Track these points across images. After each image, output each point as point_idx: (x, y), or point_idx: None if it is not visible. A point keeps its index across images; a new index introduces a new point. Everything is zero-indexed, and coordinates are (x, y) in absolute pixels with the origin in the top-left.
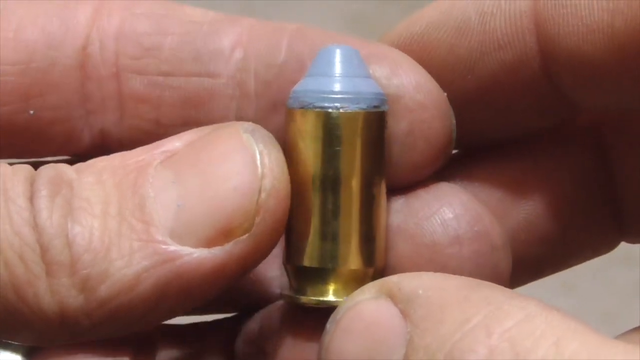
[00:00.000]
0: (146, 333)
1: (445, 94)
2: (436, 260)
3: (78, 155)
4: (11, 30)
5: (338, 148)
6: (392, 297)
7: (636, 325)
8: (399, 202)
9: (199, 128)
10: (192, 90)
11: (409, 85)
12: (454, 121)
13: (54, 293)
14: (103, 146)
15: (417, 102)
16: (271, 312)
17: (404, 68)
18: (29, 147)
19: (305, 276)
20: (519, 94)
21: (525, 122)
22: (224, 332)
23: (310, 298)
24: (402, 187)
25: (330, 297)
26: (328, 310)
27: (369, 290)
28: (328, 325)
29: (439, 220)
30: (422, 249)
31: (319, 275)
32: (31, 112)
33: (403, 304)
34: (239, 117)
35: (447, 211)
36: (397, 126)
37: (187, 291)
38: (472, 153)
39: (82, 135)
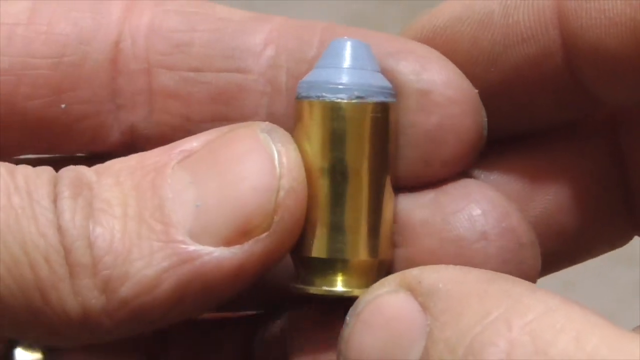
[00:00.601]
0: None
1: (477, 90)
2: (462, 256)
3: (106, 152)
4: (44, 24)
5: (345, 139)
6: (412, 290)
7: (636, 325)
8: (427, 198)
9: (216, 128)
10: (223, 86)
11: (439, 81)
12: (485, 117)
13: (76, 294)
14: (131, 143)
15: (448, 97)
16: (298, 316)
17: (433, 63)
18: (58, 142)
19: (313, 267)
20: (541, 88)
21: (546, 116)
22: (240, 331)
23: (319, 288)
24: (432, 183)
25: (339, 288)
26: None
27: (389, 283)
28: (348, 319)
29: (466, 216)
30: (448, 244)
31: (328, 266)
32: (63, 105)
33: (423, 297)
34: (270, 113)
35: (474, 207)
36: (428, 121)
37: (207, 290)
38: (491, 145)
39: (111, 130)
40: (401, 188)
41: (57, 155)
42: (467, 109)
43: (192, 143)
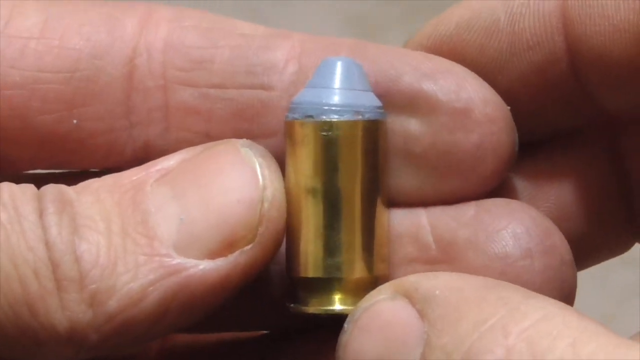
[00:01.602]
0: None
1: (509, 107)
2: (507, 273)
3: (118, 168)
4: (56, 38)
5: (337, 159)
6: (409, 297)
7: (636, 325)
8: (468, 216)
9: (190, 147)
10: (245, 102)
11: (477, 99)
12: (516, 133)
13: (64, 309)
14: (145, 159)
15: (486, 116)
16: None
17: (470, 82)
18: (71, 157)
19: (309, 287)
20: (546, 95)
21: (550, 123)
22: (250, 352)
23: (317, 308)
24: (470, 199)
25: (337, 306)
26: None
27: (386, 290)
28: (346, 325)
29: (510, 233)
30: (494, 261)
31: (325, 285)
32: (75, 121)
33: (420, 304)
34: None
35: (518, 225)
36: (467, 140)
37: (192, 303)
38: None
39: (125, 147)
40: (434, 204)
41: (62, 170)
42: (503, 126)
43: (168, 162)
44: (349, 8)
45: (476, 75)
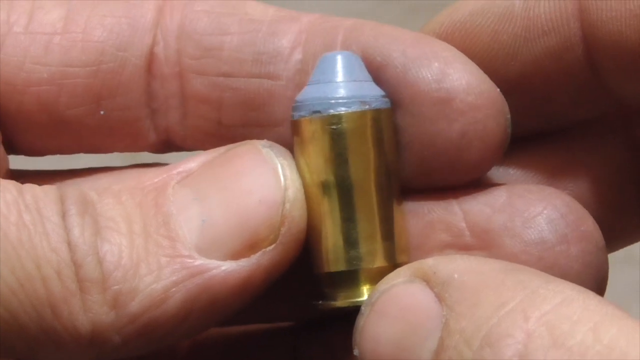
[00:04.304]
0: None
1: (499, 89)
2: (545, 259)
3: (147, 152)
4: (79, 32)
5: (348, 151)
6: (427, 280)
7: None
8: (500, 202)
9: (212, 150)
10: (252, 91)
11: (459, 87)
12: (508, 116)
13: (87, 310)
14: (169, 143)
15: (469, 104)
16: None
17: (455, 68)
18: (97, 144)
19: (335, 281)
20: (560, 83)
21: (564, 112)
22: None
23: (345, 301)
24: (459, 186)
25: (365, 298)
26: None
27: (404, 273)
28: (363, 308)
29: (546, 219)
30: (532, 246)
31: (349, 277)
32: (102, 112)
33: (438, 288)
34: None
35: (552, 211)
36: (451, 129)
37: (215, 304)
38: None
39: (148, 133)
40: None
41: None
42: (490, 112)
43: (189, 164)
44: (349, 8)
45: (465, 59)
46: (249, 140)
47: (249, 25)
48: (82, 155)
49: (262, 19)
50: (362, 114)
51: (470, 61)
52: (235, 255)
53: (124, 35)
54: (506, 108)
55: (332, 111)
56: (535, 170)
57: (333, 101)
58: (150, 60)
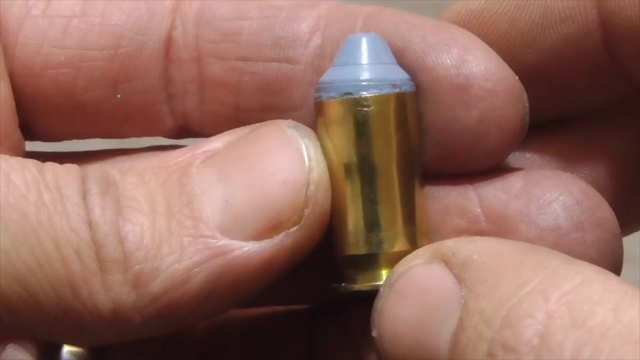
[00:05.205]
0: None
1: (517, 77)
2: (561, 245)
3: (164, 137)
4: (97, 16)
5: (372, 134)
6: (446, 261)
7: None
8: (516, 188)
9: (237, 129)
10: (271, 75)
11: (478, 74)
12: (526, 104)
13: (107, 290)
14: (186, 128)
15: (487, 90)
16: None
17: (474, 54)
18: (115, 129)
19: (354, 264)
20: (578, 69)
21: (582, 98)
22: (298, 325)
23: (364, 284)
24: (477, 173)
25: (382, 282)
26: None
27: (423, 254)
28: (382, 289)
29: (561, 205)
30: (547, 233)
31: (370, 261)
32: (119, 96)
33: (457, 269)
34: None
35: (568, 197)
36: (469, 115)
37: (237, 285)
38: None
39: (166, 117)
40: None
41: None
42: (508, 99)
43: (214, 143)
44: None
45: (485, 46)
46: (274, 120)
47: (268, 10)
48: (98, 140)
49: (281, 4)
50: (392, 97)
51: (489, 48)
52: (258, 236)
53: (142, 19)
54: (524, 95)
55: (364, 93)
56: (552, 155)
57: (365, 83)
58: (168, 44)
